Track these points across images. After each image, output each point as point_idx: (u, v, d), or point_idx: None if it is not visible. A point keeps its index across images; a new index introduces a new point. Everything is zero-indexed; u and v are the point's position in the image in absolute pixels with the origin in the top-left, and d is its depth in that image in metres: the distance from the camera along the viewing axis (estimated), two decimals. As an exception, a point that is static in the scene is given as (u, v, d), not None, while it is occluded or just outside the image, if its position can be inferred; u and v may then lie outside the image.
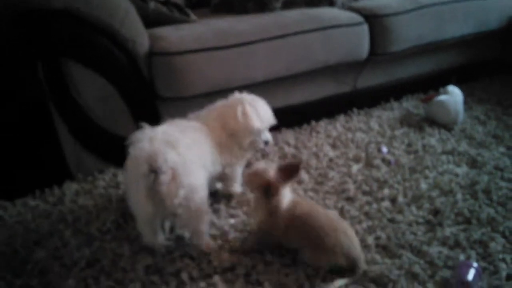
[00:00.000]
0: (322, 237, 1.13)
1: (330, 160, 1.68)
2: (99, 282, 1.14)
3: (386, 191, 1.47)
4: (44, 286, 1.14)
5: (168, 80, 1.56)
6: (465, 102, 1.99)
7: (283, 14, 1.87)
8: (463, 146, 1.75)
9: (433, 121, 1.93)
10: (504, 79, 2.42)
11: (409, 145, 1.77)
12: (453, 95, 1.92)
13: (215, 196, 1.46)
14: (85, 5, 1.37)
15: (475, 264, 1.11)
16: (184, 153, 1.15)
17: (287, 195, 1.20)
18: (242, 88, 1.68)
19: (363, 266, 1.15)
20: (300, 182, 1.54)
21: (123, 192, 1.48)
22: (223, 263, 1.19)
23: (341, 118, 2.02)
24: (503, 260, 1.18)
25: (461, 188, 1.48)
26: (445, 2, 2.09)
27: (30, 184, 1.52)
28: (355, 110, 2.08)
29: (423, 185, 1.50)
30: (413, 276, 1.13)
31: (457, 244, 1.24)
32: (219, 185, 1.49)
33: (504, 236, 1.27)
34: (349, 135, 1.85)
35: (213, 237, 1.28)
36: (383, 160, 1.66)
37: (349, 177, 1.56)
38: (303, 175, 1.57)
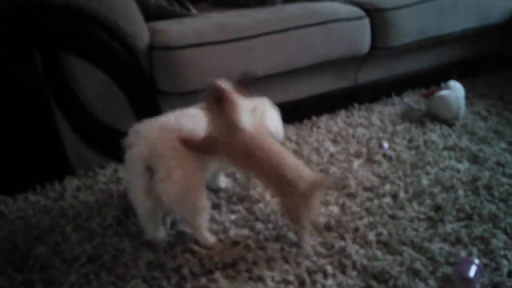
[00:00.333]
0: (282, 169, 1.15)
1: (331, 155, 1.67)
2: (100, 278, 1.14)
3: (387, 187, 1.47)
4: (45, 281, 1.14)
5: (168, 74, 1.55)
6: (466, 98, 1.98)
7: (284, 8, 1.86)
8: (465, 141, 1.74)
9: (435, 116, 1.93)
10: (505, 74, 2.41)
11: (410, 140, 1.77)
12: (455, 90, 1.91)
13: (216, 192, 1.46)
14: (85, -1, 1.36)
15: (476, 261, 1.11)
16: (179, 148, 1.15)
17: (246, 113, 1.20)
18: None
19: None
20: (301, 178, 1.54)
21: (124, 187, 1.48)
22: (225, 259, 1.18)
23: (342, 113, 2.01)
24: (505, 256, 1.18)
25: (462, 184, 1.48)
26: (446, -4, 2.08)
27: (31, 180, 1.52)
28: (356, 105, 2.07)
29: (425, 181, 1.49)
30: (414, 273, 1.13)
31: (458, 241, 1.24)
32: (224, 183, 1.48)
33: (505, 233, 1.27)
34: (350, 131, 1.85)
35: (214, 232, 1.28)
36: (384, 155, 1.66)
37: (350, 173, 1.55)
38: (305, 170, 1.57)
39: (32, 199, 1.46)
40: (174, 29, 1.58)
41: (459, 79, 2.05)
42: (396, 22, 1.95)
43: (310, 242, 1.23)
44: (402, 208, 1.38)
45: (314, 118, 1.96)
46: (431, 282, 1.11)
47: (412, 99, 2.14)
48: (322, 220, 1.32)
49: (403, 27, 1.98)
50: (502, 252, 1.19)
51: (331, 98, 2.02)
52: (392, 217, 1.34)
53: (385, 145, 1.72)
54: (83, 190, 1.49)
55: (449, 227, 1.28)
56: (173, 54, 1.53)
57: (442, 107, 1.89)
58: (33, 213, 1.39)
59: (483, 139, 1.77)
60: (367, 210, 1.37)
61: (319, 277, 1.13)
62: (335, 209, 1.37)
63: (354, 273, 1.14)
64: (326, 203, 1.40)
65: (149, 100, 1.61)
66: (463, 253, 1.19)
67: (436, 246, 1.22)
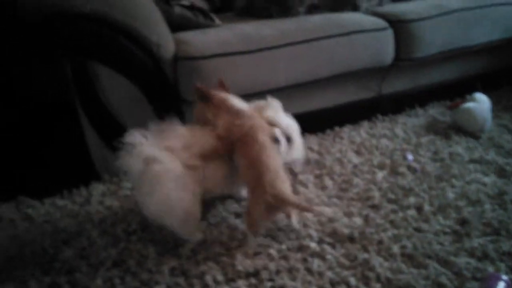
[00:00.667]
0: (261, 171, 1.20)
1: (354, 166, 1.67)
2: (125, 282, 1.15)
3: (411, 200, 1.45)
4: (72, 284, 1.16)
5: (192, 83, 1.57)
6: (492, 110, 1.95)
7: (307, 19, 1.87)
8: (491, 154, 1.72)
9: (460, 128, 1.90)
10: (531, 87, 2.37)
11: (435, 152, 1.75)
12: (480, 102, 1.89)
13: (239, 201, 1.47)
14: (111, 10, 1.39)
15: (504, 277, 1.09)
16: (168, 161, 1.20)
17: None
18: (265, 93, 1.70)
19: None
20: (324, 188, 1.53)
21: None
22: (247, 268, 1.19)
23: (365, 124, 2.01)
24: (534, 273, 1.15)
25: (489, 197, 1.45)
26: (471, 7, 2.06)
27: (58, 184, 1.56)
28: (379, 116, 2.06)
29: (450, 194, 1.47)
30: (440, 287, 1.12)
31: (485, 256, 1.21)
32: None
33: (534, 248, 1.24)
34: (374, 142, 1.84)
35: (237, 241, 1.29)
36: (409, 167, 1.64)
37: (374, 185, 1.54)
38: (327, 181, 1.57)
39: (59, 204, 1.49)
40: (198, 40, 1.60)
41: (484, 91, 2.02)
42: (420, 34, 1.94)
43: (334, 253, 1.23)
44: (427, 221, 1.36)
45: (337, 128, 1.96)
46: (457, 297, 1.09)
47: (436, 111, 2.12)
48: (345, 231, 1.31)
49: (427, 39, 1.96)
50: (531, 269, 1.16)
51: (354, 109, 2.02)
52: (417, 230, 1.32)
53: (409, 157, 1.70)
54: (108, 195, 1.52)
55: (475, 242, 1.26)
56: (197, 64, 1.55)
57: (468, 119, 1.87)
58: (60, 217, 1.42)
59: (510, 152, 1.73)
60: (392, 222, 1.36)
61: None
62: (358, 221, 1.36)
63: (378, 285, 1.13)
64: (349, 214, 1.39)
65: (174, 109, 1.63)
66: (490, 269, 1.17)
67: (462, 260, 1.19)
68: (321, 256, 1.23)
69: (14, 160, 1.87)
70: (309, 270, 1.18)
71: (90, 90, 1.51)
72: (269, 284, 1.14)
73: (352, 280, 1.14)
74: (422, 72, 2.13)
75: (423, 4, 2.09)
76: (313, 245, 1.26)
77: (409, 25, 1.94)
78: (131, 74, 1.51)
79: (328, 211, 1.37)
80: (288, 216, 1.32)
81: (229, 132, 1.28)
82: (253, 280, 1.15)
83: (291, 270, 1.18)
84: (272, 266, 1.19)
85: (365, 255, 1.22)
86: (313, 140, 1.87)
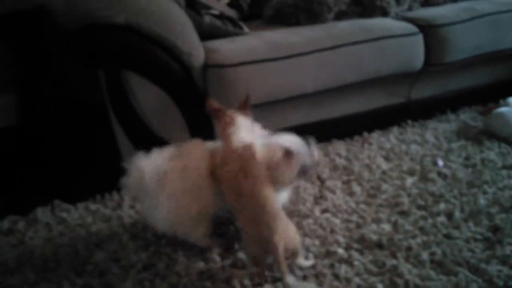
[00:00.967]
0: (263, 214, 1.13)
1: (383, 172, 1.65)
2: (155, 285, 1.18)
3: (442, 206, 1.43)
4: (104, 286, 1.19)
5: (221, 91, 1.60)
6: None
7: (335, 25, 1.87)
8: (526, 160, 1.67)
9: (493, 134, 1.86)
10: None
11: (466, 158, 1.71)
12: (514, 107, 1.84)
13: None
14: (145, 20, 1.44)
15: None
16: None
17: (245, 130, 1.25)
18: (293, 98, 1.71)
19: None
20: (352, 194, 1.53)
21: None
22: (274, 273, 1.19)
23: (395, 129, 1.98)
24: None
25: (522, 204, 1.42)
26: (504, 10, 2.02)
27: (91, 189, 1.61)
28: (409, 121, 2.03)
29: (482, 201, 1.44)
30: (471, 295, 1.10)
31: (518, 264, 1.18)
32: None
33: None
34: (403, 147, 1.81)
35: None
36: (439, 173, 1.62)
37: (403, 191, 1.52)
38: (355, 187, 1.56)
39: (92, 208, 1.54)
40: (227, 48, 1.63)
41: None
42: (451, 38, 1.92)
43: (361, 259, 1.22)
44: (457, 227, 1.33)
45: (365, 134, 1.94)
46: (489, 305, 1.07)
47: (468, 116, 2.08)
48: (373, 237, 1.30)
49: (458, 43, 1.93)
50: None
51: (383, 114, 2.00)
52: (447, 236, 1.30)
53: (440, 162, 1.67)
54: (139, 200, 1.56)
55: (508, 249, 1.23)
56: (226, 72, 1.57)
57: (501, 125, 1.82)
58: (93, 221, 1.47)
59: (545, 158, 1.68)
60: (421, 229, 1.34)
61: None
62: (387, 227, 1.35)
63: (406, 292, 1.12)
64: (378, 221, 1.38)
65: (203, 116, 1.66)
66: (523, 277, 1.14)
67: (494, 268, 1.17)
68: (348, 262, 1.22)
69: (50, 165, 1.95)
70: (336, 276, 1.18)
71: (123, 98, 1.56)
72: (296, 289, 1.15)
73: (380, 287, 1.13)
74: (453, 77, 2.09)
75: (454, 8, 2.06)
76: (340, 251, 1.26)
77: (440, 29, 1.92)
78: (163, 82, 1.55)
79: (306, 264, 1.24)
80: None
81: (222, 167, 1.22)
82: (279, 286, 1.16)
83: (318, 276, 1.18)
84: (299, 271, 1.19)
85: (393, 262, 1.21)
86: (341, 146, 1.86)
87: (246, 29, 1.86)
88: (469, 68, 2.09)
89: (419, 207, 1.44)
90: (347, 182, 1.60)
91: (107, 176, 1.52)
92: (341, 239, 1.30)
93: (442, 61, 1.95)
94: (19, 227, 1.46)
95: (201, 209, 1.24)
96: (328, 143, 1.89)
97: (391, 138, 1.91)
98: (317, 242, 1.30)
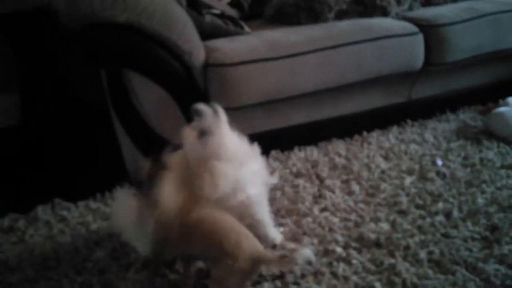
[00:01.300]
0: (221, 241, 1.08)
1: (382, 171, 1.66)
2: (154, 283, 1.19)
3: (440, 205, 1.43)
4: (103, 284, 1.20)
5: (222, 90, 1.61)
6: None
7: (336, 24, 1.88)
8: (524, 160, 1.67)
9: (492, 134, 1.86)
10: None
11: (465, 158, 1.72)
12: (514, 107, 1.85)
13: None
14: (146, 20, 1.45)
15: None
16: None
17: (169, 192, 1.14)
18: (293, 98, 1.72)
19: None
20: (351, 193, 1.53)
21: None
22: (273, 271, 1.20)
23: (394, 129, 1.99)
24: None
25: (521, 204, 1.42)
26: (504, 10, 2.03)
27: (92, 187, 1.62)
28: (409, 121, 2.04)
29: (480, 200, 1.45)
30: (468, 294, 1.10)
31: (515, 263, 1.19)
32: None
33: None
34: (403, 147, 1.82)
35: (262, 245, 1.30)
36: (438, 173, 1.62)
37: (402, 190, 1.53)
38: (354, 186, 1.57)
39: (93, 206, 1.54)
40: (228, 47, 1.64)
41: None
42: (451, 38, 1.92)
43: (360, 258, 1.23)
44: (455, 227, 1.34)
45: (365, 133, 1.95)
46: (486, 304, 1.07)
47: (468, 116, 2.08)
48: (371, 236, 1.30)
49: (459, 43, 1.94)
50: None
51: (382, 114, 2.01)
52: (445, 236, 1.31)
53: (439, 162, 1.68)
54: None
55: (506, 249, 1.23)
56: (227, 71, 1.58)
57: (500, 124, 1.83)
58: (93, 220, 1.47)
59: (544, 158, 1.69)
60: (419, 228, 1.34)
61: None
62: (385, 226, 1.36)
63: (404, 291, 1.13)
64: (376, 220, 1.39)
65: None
66: (520, 276, 1.14)
67: (491, 267, 1.17)
68: (347, 260, 1.23)
69: (51, 164, 1.96)
70: (334, 274, 1.18)
71: (124, 97, 1.57)
72: (294, 287, 1.15)
73: (378, 285, 1.14)
74: (453, 77, 2.10)
75: (455, 8, 2.07)
76: (339, 249, 1.27)
77: (440, 29, 1.92)
78: (164, 81, 1.56)
79: (307, 253, 1.17)
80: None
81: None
82: (278, 283, 1.16)
83: (316, 274, 1.19)
84: (297, 269, 1.20)
85: (391, 260, 1.21)
86: (341, 145, 1.87)
87: (247, 28, 1.87)
88: (469, 68, 2.09)
89: (418, 206, 1.44)
90: (346, 181, 1.61)
91: (108, 175, 1.53)
92: (340, 238, 1.31)
93: (442, 61, 1.95)
94: (20, 225, 1.46)
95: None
96: (328, 142, 1.89)
97: (390, 137, 1.91)
98: (315, 240, 1.31)
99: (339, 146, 1.86)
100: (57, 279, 1.22)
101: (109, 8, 1.40)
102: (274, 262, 1.13)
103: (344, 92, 1.86)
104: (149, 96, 1.56)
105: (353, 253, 1.25)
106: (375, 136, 1.93)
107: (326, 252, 1.26)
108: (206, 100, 1.63)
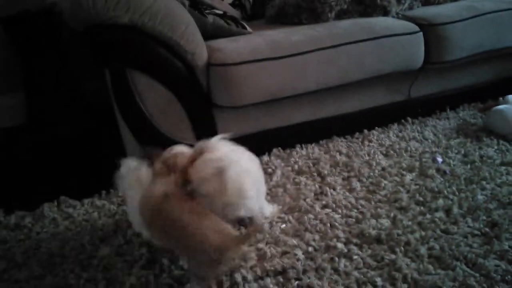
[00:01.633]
0: (186, 236, 1.10)
1: (383, 169, 1.67)
2: (159, 279, 1.20)
3: (440, 202, 1.45)
4: (108, 280, 1.22)
5: (224, 89, 1.63)
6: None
7: (337, 24, 1.89)
8: (524, 157, 1.68)
9: (492, 131, 1.87)
10: None
11: (465, 155, 1.73)
12: (513, 105, 1.86)
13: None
14: (149, 20, 1.46)
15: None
16: None
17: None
18: (295, 97, 1.74)
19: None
20: (351, 190, 1.55)
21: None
22: (275, 267, 1.22)
23: (395, 127, 2.01)
24: None
25: (520, 200, 1.43)
26: (504, 9, 2.04)
27: (97, 185, 1.64)
28: (409, 119, 2.06)
29: (480, 197, 1.46)
30: (468, 289, 1.11)
31: (515, 258, 1.20)
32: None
33: None
34: (403, 145, 1.84)
35: (266, 242, 1.32)
36: (438, 170, 1.64)
37: (402, 187, 1.55)
38: (355, 183, 1.58)
39: (98, 204, 1.57)
40: (230, 47, 1.66)
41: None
42: (451, 37, 1.93)
43: (361, 253, 1.25)
44: (455, 223, 1.35)
45: (365, 131, 1.97)
46: (486, 299, 1.08)
47: (467, 113, 2.10)
48: (372, 232, 1.32)
49: (459, 41, 1.95)
50: None
51: (383, 112, 2.02)
52: (445, 232, 1.32)
53: (439, 159, 1.69)
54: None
55: (506, 245, 1.24)
56: (229, 70, 1.60)
57: (499, 122, 1.84)
58: (98, 217, 1.50)
59: (544, 155, 1.70)
60: (419, 224, 1.36)
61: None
62: (386, 222, 1.37)
63: (404, 286, 1.13)
64: (377, 216, 1.40)
65: (206, 113, 1.69)
66: (520, 272, 1.15)
67: (491, 263, 1.18)
68: (348, 256, 1.25)
69: (56, 161, 1.98)
70: (335, 270, 1.20)
71: (128, 96, 1.58)
72: (296, 283, 1.17)
73: (379, 281, 1.15)
74: (453, 75, 2.11)
75: (455, 6, 2.08)
76: (340, 245, 1.28)
77: (440, 28, 1.94)
78: (167, 81, 1.58)
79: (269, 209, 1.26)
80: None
81: None
82: (280, 279, 1.18)
83: (317, 270, 1.21)
84: (299, 265, 1.22)
85: (392, 256, 1.23)
86: (342, 143, 1.89)
87: (249, 28, 1.88)
88: (469, 66, 2.10)
89: (418, 203, 1.46)
90: (347, 179, 1.63)
91: (113, 173, 1.54)
92: (341, 234, 1.33)
93: (442, 60, 1.97)
94: (26, 222, 1.49)
95: None
96: (329, 140, 1.91)
97: (391, 135, 1.93)
98: (317, 236, 1.33)
99: (340, 144, 1.88)
100: (63, 276, 1.24)
101: (113, 9, 1.42)
102: (243, 241, 1.12)
103: (345, 90, 1.87)
104: (152, 95, 1.58)
105: (354, 249, 1.27)
106: (375, 134, 1.95)
107: (328, 248, 1.28)
108: (209, 99, 1.65)
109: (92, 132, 2.18)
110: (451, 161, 1.69)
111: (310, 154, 1.81)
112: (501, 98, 1.95)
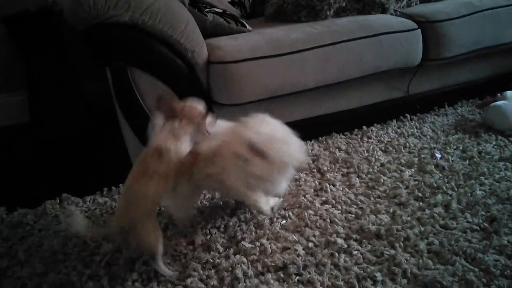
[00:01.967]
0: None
1: (382, 165, 1.68)
2: (160, 276, 1.21)
3: (439, 197, 1.46)
4: (110, 277, 1.23)
5: (224, 87, 1.63)
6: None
7: (335, 22, 1.90)
8: (522, 153, 1.70)
9: (490, 127, 1.89)
10: None
11: (463, 151, 1.74)
12: (511, 101, 1.86)
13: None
14: (149, 19, 1.47)
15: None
16: None
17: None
18: (294, 94, 1.74)
19: None
20: (351, 187, 1.56)
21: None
22: (276, 262, 1.23)
23: (393, 123, 2.02)
24: None
25: (519, 195, 1.44)
26: (503, 5, 2.05)
27: (99, 182, 1.65)
28: (407, 115, 2.07)
29: (478, 192, 1.47)
30: (467, 284, 1.11)
31: (514, 253, 1.21)
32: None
33: None
34: (402, 141, 1.85)
35: (265, 237, 1.33)
36: (437, 166, 1.65)
37: (401, 183, 1.56)
38: (354, 179, 1.59)
39: (100, 201, 1.57)
40: (229, 45, 1.66)
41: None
42: (449, 33, 1.94)
43: (360, 249, 1.26)
44: (454, 218, 1.36)
45: (364, 128, 1.98)
46: (485, 293, 1.09)
47: (466, 110, 2.11)
48: (372, 228, 1.33)
49: (457, 38, 1.96)
50: (562, 266, 1.15)
51: (382, 109, 2.04)
52: (444, 227, 1.33)
53: (438, 155, 1.71)
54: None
55: (505, 239, 1.25)
56: (229, 68, 1.61)
57: (498, 118, 1.85)
58: (100, 214, 1.50)
59: (542, 150, 1.71)
60: (418, 219, 1.37)
61: (368, 283, 1.14)
62: (385, 218, 1.38)
63: (404, 281, 1.14)
64: (376, 212, 1.41)
65: (206, 112, 1.69)
66: (519, 266, 1.16)
67: (490, 258, 1.19)
68: (348, 252, 1.25)
69: (58, 160, 1.99)
70: (336, 265, 1.21)
71: (128, 93, 1.59)
72: (296, 278, 1.18)
73: (379, 276, 1.16)
74: (451, 72, 2.12)
75: (453, 3, 2.09)
76: (340, 241, 1.29)
77: (438, 25, 1.95)
78: (167, 78, 1.58)
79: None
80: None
81: None
82: (281, 274, 1.19)
83: (318, 265, 1.21)
84: (299, 261, 1.22)
85: (392, 251, 1.24)
86: (341, 139, 1.90)
87: (248, 26, 1.89)
88: (467, 63, 2.11)
89: (417, 199, 1.47)
90: (346, 175, 1.64)
91: (114, 170, 1.56)
92: (341, 230, 1.34)
93: (440, 56, 1.98)
94: (28, 220, 1.50)
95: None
96: (328, 137, 1.92)
97: (389, 131, 1.94)
98: (317, 232, 1.34)
99: (339, 141, 1.89)
100: (65, 272, 1.25)
101: (113, 8, 1.42)
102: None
103: (344, 87, 1.88)
104: (153, 93, 1.58)
105: (354, 244, 1.28)
106: (374, 130, 1.96)
107: (328, 244, 1.29)
108: (209, 97, 1.65)
109: (93, 131, 2.18)
110: (450, 157, 1.70)
111: (310, 151, 1.82)
112: (499, 94, 1.95)
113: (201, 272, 1.21)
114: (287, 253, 1.26)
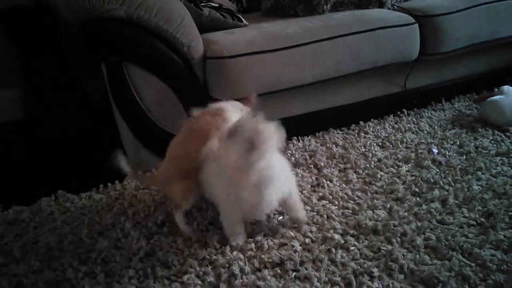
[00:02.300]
0: None
1: (379, 160, 1.68)
2: (156, 272, 1.21)
3: (436, 192, 1.45)
4: (106, 273, 1.22)
5: (220, 82, 1.63)
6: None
7: (332, 16, 1.90)
8: (519, 148, 1.70)
9: (487, 122, 1.89)
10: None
11: (460, 146, 1.74)
12: (508, 95, 1.86)
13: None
14: (145, 13, 1.46)
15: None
16: None
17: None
18: (291, 89, 1.74)
19: None
20: (348, 182, 1.56)
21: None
22: (273, 258, 1.22)
23: (390, 118, 2.02)
24: (561, 265, 1.14)
25: (515, 190, 1.44)
26: (500, -1, 2.04)
27: (95, 179, 1.65)
28: (404, 110, 2.06)
29: (475, 187, 1.47)
30: (464, 278, 1.11)
31: (511, 248, 1.20)
32: None
33: (562, 241, 1.22)
34: (399, 136, 1.85)
35: (262, 233, 1.33)
36: (434, 161, 1.65)
37: (398, 178, 1.56)
38: (351, 175, 1.59)
39: (96, 197, 1.57)
40: (226, 40, 1.65)
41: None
42: (446, 28, 1.94)
43: (357, 244, 1.26)
44: (451, 213, 1.36)
45: (361, 123, 1.98)
46: (481, 288, 1.09)
47: (463, 105, 2.11)
48: (369, 223, 1.33)
49: (454, 33, 1.96)
50: (559, 261, 1.15)
51: (379, 104, 2.03)
52: (441, 222, 1.33)
53: (435, 150, 1.71)
54: (141, 189, 1.59)
55: (501, 234, 1.25)
56: (225, 63, 1.60)
57: (495, 112, 1.85)
58: (96, 210, 1.50)
59: (539, 145, 1.71)
60: (415, 215, 1.36)
61: (365, 279, 1.14)
62: (382, 213, 1.38)
63: (401, 276, 1.14)
64: (373, 207, 1.41)
65: (203, 106, 1.68)
66: (516, 261, 1.16)
67: (487, 253, 1.19)
68: (345, 247, 1.25)
69: (54, 157, 1.98)
70: (332, 261, 1.21)
71: (124, 89, 1.58)
72: (293, 274, 1.17)
73: (376, 271, 1.16)
74: (449, 66, 2.12)
75: (451, -4, 2.08)
76: (337, 237, 1.29)
77: (435, 19, 1.94)
78: (163, 74, 1.58)
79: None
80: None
81: None
82: (278, 270, 1.19)
83: (315, 261, 1.21)
84: (296, 257, 1.22)
85: (389, 247, 1.23)
86: (338, 135, 1.90)
87: (244, 21, 1.88)
88: (464, 57, 2.11)
89: (414, 194, 1.47)
90: (343, 170, 1.64)
91: (110, 167, 1.55)
92: (338, 225, 1.33)
93: (437, 51, 1.97)
94: (24, 217, 1.49)
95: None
96: (325, 132, 1.92)
97: (386, 127, 1.94)
98: (314, 228, 1.33)
99: (336, 136, 1.88)
100: (61, 270, 1.25)
101: (108, 2, 1.41)
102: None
103: (341, 82, 1.88)
104: (149, 88, 1.58)
105: (351, 240, 1.27)
106: (371, 125, 1.96)
107: (325, 239, 1.29)
108: (205, 92, 1.65)
109: (89, 128, 2.17)
110: (447, 152, 1.70)
111: (307, 146, 1.81)
112: (496, 89, 1.95)
113: (198, 268, 1.21)
114: (284, 249, 1.26)
